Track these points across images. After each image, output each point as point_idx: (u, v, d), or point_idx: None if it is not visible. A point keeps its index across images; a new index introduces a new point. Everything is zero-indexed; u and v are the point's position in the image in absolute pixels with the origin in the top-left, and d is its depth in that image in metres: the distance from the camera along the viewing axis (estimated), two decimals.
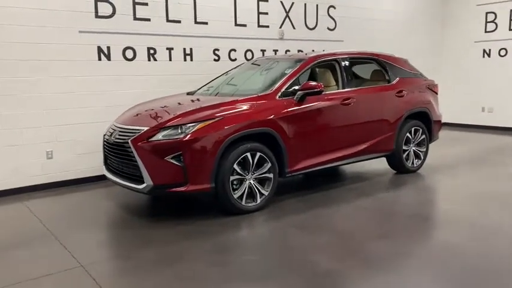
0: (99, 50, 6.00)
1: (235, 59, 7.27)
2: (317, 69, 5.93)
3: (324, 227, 4.19)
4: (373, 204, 4.81)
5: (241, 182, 4.52)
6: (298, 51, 8.14)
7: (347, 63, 5.60)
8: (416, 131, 6.19)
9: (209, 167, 4.24)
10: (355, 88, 5.53)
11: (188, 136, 4.18)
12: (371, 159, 5.85)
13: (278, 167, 4.78)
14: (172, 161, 4.17)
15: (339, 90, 5.45)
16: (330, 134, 5.22)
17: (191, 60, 6.85)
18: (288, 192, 5.34)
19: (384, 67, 6.06)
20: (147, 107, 5.02)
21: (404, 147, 6.07)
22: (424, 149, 6.35)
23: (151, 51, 6.45)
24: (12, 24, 5.33)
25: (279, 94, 4.84)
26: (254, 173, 4.59)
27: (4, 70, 5.33)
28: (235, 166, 4.40)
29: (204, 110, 4.46)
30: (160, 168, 4.21)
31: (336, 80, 5.60)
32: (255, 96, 4.78)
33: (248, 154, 4.48)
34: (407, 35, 10.12)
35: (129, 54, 6.26)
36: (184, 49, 6.77)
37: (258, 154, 4.55)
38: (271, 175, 4.68)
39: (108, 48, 6.07)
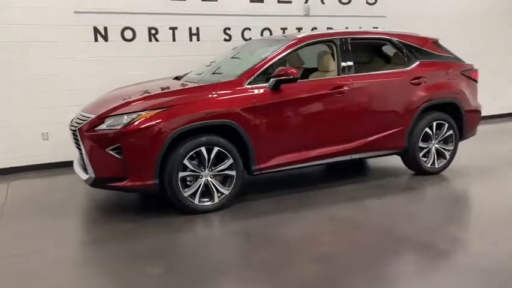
0: (96, 30, 5.85)
1: (250, 39, 6.70)
2: (319, 52, 5.16)
3: (273, 237, 3.61)
4: (349, 214, 4.07)
5: (197, 178, 4.09)
6: (328, 29, 7.29)
7: (347, 45, 4.78)
8: (440, 125, 5.17)
9: (151, 161, 3.85)
10: (352, 74, 4.71)
11: (127, 127, 3.83)
12: (375, 157, 5.02)
13: (244, 163, 4.26)
14: (112, 153, 3.86)
15: (328, 77, 4.70)
16: (313, 127, 4.51)
17: (198, 40, 6.44)
18: (265, 190, 4.78)
19: (399, 49, 5.11)
20: (117, 92, 4.75)
21: (421, 145, 5.11)
22: (451, 147, 5.30)
23: (153, 32, 6.16)
24: (5, 5, 5.35)
25: (249, 81, 4.25)
26: (212, 170, 4.12)
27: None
28: (186, 161, 3.97)
29: (154, 98, 4.07)
30: (102, 160, 3.93)
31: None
32: (218, 83, 4.27)
33: (203, 148, 4.01)
34: (477, 11, 8.65)
35: (128, 34, 6.03)
36: (190, 28, 6.38)
37: (216, 149, 4.06)
38: (233, 172, 4.17)
39: (105, 28, 5.89)
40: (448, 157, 5.30)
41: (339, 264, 3.13)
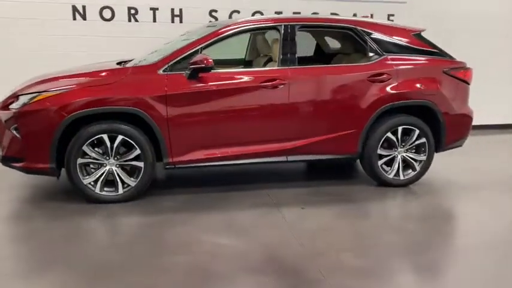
0: (74, 9, 5.88)
1: None
2: (272, 39, 4.65)
3: (151, 238, 3.35)
4: (252, 222, 3.62)
5: (100, 166, 3.93)
6: (332, 14, 6.63)
7: (293, 33, 4.23)
8: (408, 131, 4.45)
9: (46, 145, 3.75)
10: (292, 67, 4.18)
11: (25, 107, 3.76)
12: (320, 161, 4.46)
13: (157, 155, 4.01)
14: (14, 132, 3.83)
15: (261, 69, 4.25)
16: (238, 122, 4.09)
17: (180, 22, 6.22)
18: (193, 185, 4.52)
19: (364, 41, 4.42)
20: (58, 72, 4.69)
21: (382, 152, 4.44)
22: (423, 158, 4.53)
23: (132, 11, 6.05)
24: None
25: (164, 68, 3.94)
26: (118, 159, 3.93)
27: None
28: (85, 148, 3.81)
29: (59, 80, 3.95)
30: (8, 139, 3.90)
31: None
32: (133, 67, 4.04)
33: (104, 136, 3.83)
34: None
35: (107, 14, 5.99)
36: (173, 9, 6.17)
37: (120, 137, 3.85)
38: (141, 164, 3.94)
39: (84, 7, 5.90)
40: (418, 169, 4.55)
41: (166, 280, 2.79)
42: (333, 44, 5.56)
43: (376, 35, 4.41)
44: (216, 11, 6.29)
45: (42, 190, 4.33)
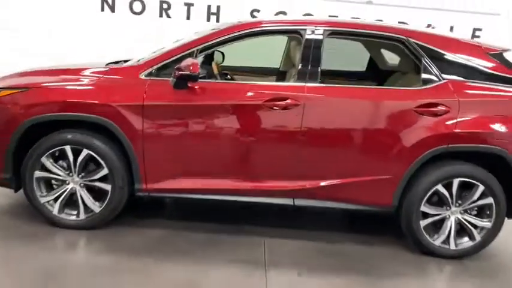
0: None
1: None
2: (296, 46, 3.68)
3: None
4: (212, 284, 2.73)
5: (63, 183, 3.25)
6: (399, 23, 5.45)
7: (319, 40, 3.22)
8: (467, 185, 3.23)
9: (1, 151, 3.14)
10: (313, 84, 3.17)
11: None
12: (335, 208, 3.37)
13: (128, 178, 3.23)
14: None
15: (269, 83, 3.30)
16: (234, 149, 3.20)
17: (217, 21, 5.45)
18: (176, 217, 3.69)
19: (417, 57, 3.28)
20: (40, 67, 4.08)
21: (427, 209, 3.26)
22: (487, 224, 3.28)
23: (165, 6, 5.42)
24: None
25: (148, 72, 3.16)
26: (83, 177, 3.22)
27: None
28: (45, 160, 3.15)
29: (29, 75, 3.36)
30: None
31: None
32: (115, 68, 3.32)
33: (67, 148, 3.14)
34: None
35: (137, 7, 5.42)
36: (209, 6, 5.42)
37: (86, 151, 3.13)
38: (107, 187, 3.19)
39: None
40: (477, 238, 3.30)
41: None
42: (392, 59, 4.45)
43: (435, 50, 3.24)
44: (258, 11, 5.43)
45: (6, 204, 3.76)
